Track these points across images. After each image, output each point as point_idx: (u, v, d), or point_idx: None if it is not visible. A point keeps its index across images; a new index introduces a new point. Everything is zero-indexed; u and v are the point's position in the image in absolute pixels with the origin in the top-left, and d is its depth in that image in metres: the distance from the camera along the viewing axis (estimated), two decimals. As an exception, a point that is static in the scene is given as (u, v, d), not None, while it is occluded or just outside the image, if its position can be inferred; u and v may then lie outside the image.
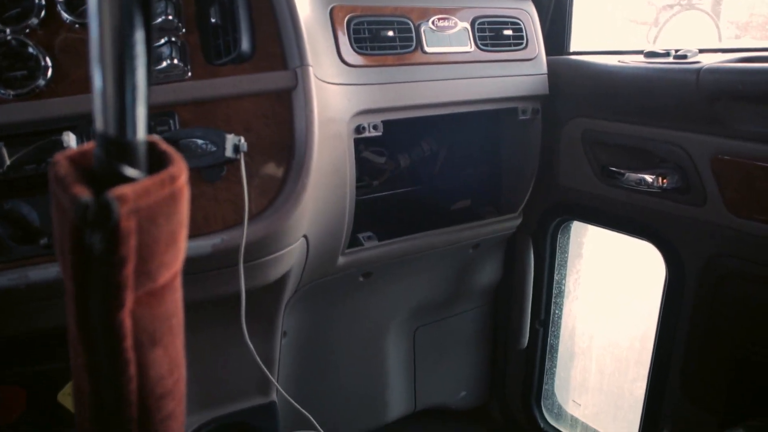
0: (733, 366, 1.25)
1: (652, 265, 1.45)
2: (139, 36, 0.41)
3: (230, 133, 0.91)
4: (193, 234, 0.93)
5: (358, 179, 1.25)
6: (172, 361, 0.56)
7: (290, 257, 1.09)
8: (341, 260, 1.32)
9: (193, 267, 0.96)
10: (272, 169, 0.97)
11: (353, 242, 1.33)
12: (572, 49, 1.52)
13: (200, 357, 1.22)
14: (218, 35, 0.99)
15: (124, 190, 0.42)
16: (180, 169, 0.47)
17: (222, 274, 0.99)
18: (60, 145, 0.89)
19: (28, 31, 0.94)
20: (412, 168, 1.60)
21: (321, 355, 1.54)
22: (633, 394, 1.64)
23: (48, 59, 0.93)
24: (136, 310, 0.47)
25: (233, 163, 0.92)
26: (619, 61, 1.34)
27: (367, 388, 1.65)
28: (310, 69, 0.99)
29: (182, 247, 0.51)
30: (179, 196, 0.47)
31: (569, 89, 1.44)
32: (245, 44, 0.98)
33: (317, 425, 1.19)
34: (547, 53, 1.45)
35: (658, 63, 1.24)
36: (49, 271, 0.88)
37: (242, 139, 0.90)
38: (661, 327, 1.38)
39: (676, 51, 1.25)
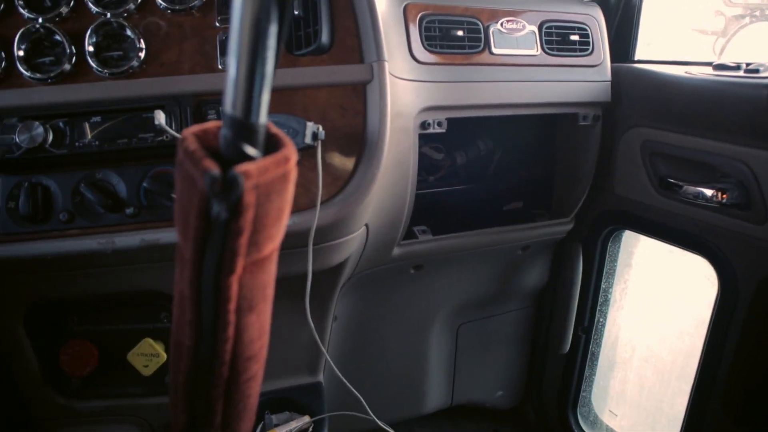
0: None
1: (702, 281, 1.44)
2: (273, 30, 0.46)
3: (309, 121, 0.96)
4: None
5: (417, 174, 1.28)
6: (261, 326, 0.61)
7: (352, 244, 1.13)
8: (396, 251, 1.36)
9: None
10: (344, 159, 1.02)
11: (408, 234, 1.37)
12: (637, 57, 1.53)
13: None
14: (299, 27, 1.04)
15: (249, 167, 0.47)
16: (292, 152, 0.52)
17: (289, 255, 1.04)
18: (150, 122, 0.95)
19: (126, 15, 1.02)
20: (467, 166, 1.64)
21: (366, 342, 1.59)
22: (672, 409, 1.64)
23: (142, 42, 1.00)
24: (242, 276, 0.52)
25: (309, 149, 0.97)
26: (685, 72, 1.34)
27: (407, 378, 1.69)
28: (386, 64, 1.04)
29: (285, 223, 0.55)
30: (290, 175, 0.51)
31: (632, 97, 1.45)
32: (325, 37, 1.03)
33: (367, 407, 1.24)
34: (612, 60, 1.46)
35: (727, 76, 1.24)
36: (134, 238, 0.95)
37: (320, 128, 0.95)
38: (708, 344, 1.38)
39: (747, 65, 1.25)
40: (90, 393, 1.15)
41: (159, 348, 1.11)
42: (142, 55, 1.00)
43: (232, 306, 0.54)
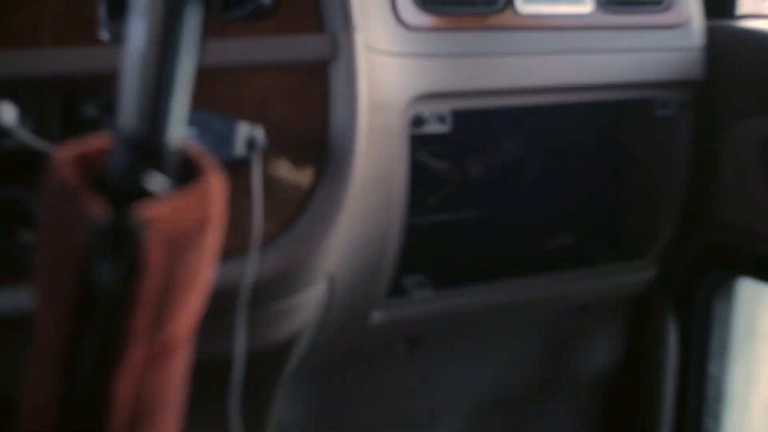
0: None
1: None
2: (196, 17, 0.52)
3: (241, 121, 1.06)
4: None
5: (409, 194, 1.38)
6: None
7: (307, 308, 1.24)
8: (376, 316, 1.46)
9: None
10: (295, 176, 1.13)
11: (396, 289, 1.46)
12: (744, 11, 1.69)
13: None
14: (226, -23, 1.16)
15: (156, 209, 0.49)
16: (219, 183, 0.56)
17: (205, 328, 1.14)
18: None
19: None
20: (486, 180, 1.75)
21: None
22: None
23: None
24: (141, 373, 0.56)
25: (241, 165, 1.07)
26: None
27: None
28: (358, 33, 1.17)
29: (205, 289, 0.60)
30: (214, 218, 0.56)
31: (741, 72, 1.58)
32: (266, -9, 1.15)
33: None
34: (707, 16, 1.60)
35: None
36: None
37: (259, 131, 1.06)
38: None
39: None
40: None
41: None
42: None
43: (123, 419, 0.57)
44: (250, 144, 1.05)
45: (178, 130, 0.52)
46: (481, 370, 1.76)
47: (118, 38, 1.10)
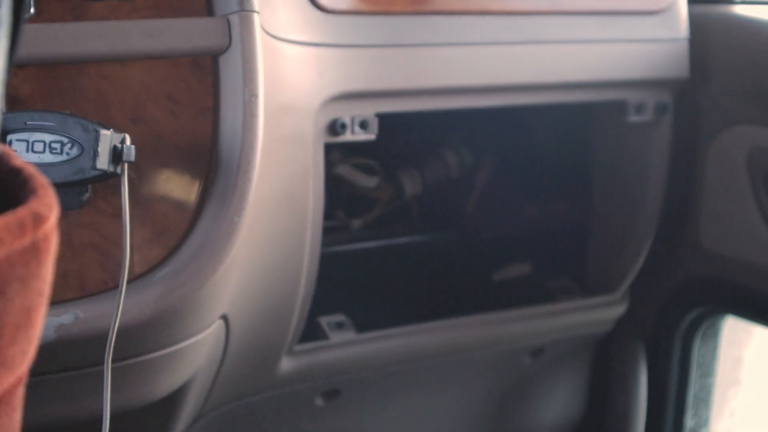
0: None
1: None
2: None
3: (107, 127, 0.99)
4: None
5: (328, 215, 1.33)
6: None
7: (195, 356, 1.17)
8: (286, 365, 1.40)
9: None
10: (177, 194, 1.06)
11: (311, 332, 1.42)
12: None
13: None
14: (90, -59, 1.09)
15: None
16: (48, 204, 0.56)
17: (69, 381, 1.07)
18: None
19: None
20: (425, 199, 1.71)
21: None
22: None
23: None
24: None
25: (107, 180, 1.01)
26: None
27: None
28: (256, 17, 1.09)
29: (38, 333, 0.59)
30: (45, 248, 0.54)
31: (729, 71, 1.56)
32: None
33: None
34: (691, 2, 1.55)
35: None
36: None
37: (127, 138, 0.98)
38: None
39: None
40: None
41: None
42: None
43: None
44: (116, 156, 0.98)
45: None
46: (415, 428, 1.72)
47: None
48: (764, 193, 1.53)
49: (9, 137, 0.98)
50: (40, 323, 0.52)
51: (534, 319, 1.62)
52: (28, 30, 1.04)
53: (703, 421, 1.78)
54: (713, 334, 1.75)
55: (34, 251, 0.50)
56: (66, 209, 1.03)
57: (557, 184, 1.75)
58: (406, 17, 1.33)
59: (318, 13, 1.25)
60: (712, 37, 1.56)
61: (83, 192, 1.03)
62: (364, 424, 1.66)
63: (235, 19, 1.09)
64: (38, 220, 0.50)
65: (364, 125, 1.31)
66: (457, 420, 1.74)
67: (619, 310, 1.70)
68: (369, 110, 1.31)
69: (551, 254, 1.74)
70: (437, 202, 1.74)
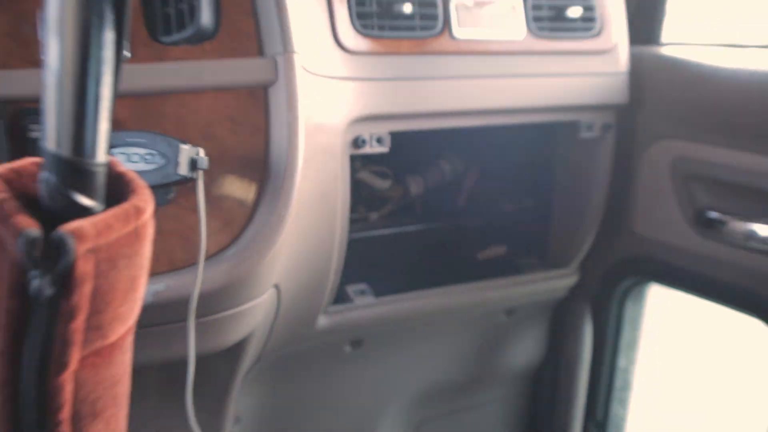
0: None
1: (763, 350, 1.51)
2: (111, 36, 0.49)
3: (185, 142, 0.97)
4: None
5: (352, 210, 1.32)
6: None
7: (255, 315, 1.15)
8: (322, 321, 1.39)
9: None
10: (239, 194, 1.04)
11: (340, 297, 1.40)
12: (665, 39, 1.60)
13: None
14: (167, 1, 1.06)
15: (83, 224, 0.49)
16: (146, 200, 0.57)
17: (163, 332, 1.05)
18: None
19: None
20: (426, 197, 1.68)
21: (285, 454, 1.60)
22: None
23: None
24: (79, 372, 0.55)
25: (187, 183, 0.98)
26: (736, 62, 1.42)
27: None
28: (296, 57, 1.07)
29: (141, 296, 0.59)
30: (144, 233, 0.55)
31: (659, 97, 1.52)
32: (206, 16, 1.05)
33: None
34: (631, 42, 1.52)
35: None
36: None
37: (201, 152, 0.96)
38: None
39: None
40: None
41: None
42: None
43: (66, 414, 0.55)
44: (193, 165, 0.97)
45: (102, 151, 0.51)
46: (419, 367, 1.71)
47: None
48: (683, 191, 1.50)
49: (112, 151, 0.98)
50: (142, 289, 0.56)
51: (508, 287, 1.61)
52: (125, 69, 1.02)
53: (632, 361, 1.77)
54: (641, 297, 1.73)
55: (137, 235, 0.53)
56: (156, 205, 1.01)
57: (526, 185, 1.73)
58: (411, 56, 1.30)
59: (344, 54, 1.23)
60: (645, 72, 1.53)
61: (168, 192, 1.03)
62: (381, 365, 1.64)
63: (280, 59, 1.08)
64: (139, 212, 0.53)
65: (379, 140, 1.28)
66: (450, 361, 1.73)
67: (572, 280, 1.69)
68: (383, 129, 1.29)
69: (521, 238, 1.72)
70: (435, 199, 1.72)
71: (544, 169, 1.68)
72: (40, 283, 0.49)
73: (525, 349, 1.80)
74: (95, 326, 0.52)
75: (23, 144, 0.99)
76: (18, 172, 0.54)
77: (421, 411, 1.76)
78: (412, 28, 1.30)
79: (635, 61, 1.51)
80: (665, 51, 1.54)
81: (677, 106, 1.49)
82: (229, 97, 1.06)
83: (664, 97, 1.51)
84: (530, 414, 1.91)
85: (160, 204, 1.02)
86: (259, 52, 1.08)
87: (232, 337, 1.16)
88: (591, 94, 1.48)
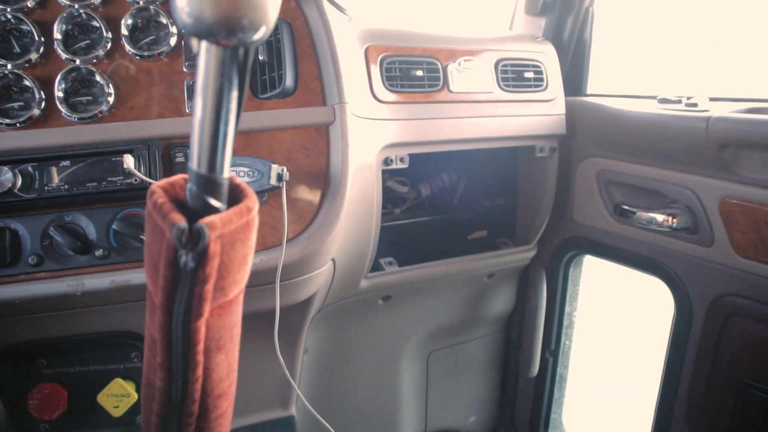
0: (737, 400, 1.30)
1: (661, 300, 1.51)
2: (235, 95, 0.51)
3: (274, 162, 1.00)
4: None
5: (383, 207, 1.32)
6: (230, 365, 0.65)
7: (319, 279, 1.17)
8: (363, 283, 1.40)
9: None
10: (309, 196, 1.06)
11: (375, 267, 1.41)
12: (589, 91, 1.61)
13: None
14: (264, 71, 1.09)
15: (213, 219, 0.51)
16: (254, 202, 0.57)
17: (258, 291, 1.07)
18: (119, 165, 0.99)
19: (95, 61, 1.05)
20: (432, 198, 1.69)
21: (338, 373, 1.61)
22: (639, 424, 1.69)
23: (111, 87, 1.03)
24: (209, 320, 0.57)
25: (275, 190, 1.01)
26: (633, 107, 1.42)
27: (380, 407, 1.71)
28: (347, 106, 1.09)
29: (249, 268, 0.59)
30: (252, 224, 0.56)
31: (585, 130, 1.53)
32: (289, 81, 1.08)
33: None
34: (566, 94, 1.53)
35: (670, 110, 1.33)
36: (103, 280, 0.97)
37: (285, 169, 0.99)
38: (668, 360, 1.44)
39: (688, 98, 1.34)
40: (59, 437, 1.15)
41: (130, 388, 1.12)
42: (111, 99, 1.03)
43: (201, 347, 0.57)
44: (279, 178, 1.00)
45: (227, 171, 0.53)
46: (429, 314, 1.71)
47: None
48: (605, 192, 1.51)
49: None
50: (250, 262, 0.56)
51: (488, 259, 1.60)
52: (251, 117, 1.06)
53: (574, 308, 1.76)
54: (579, 264, 1.73)
55: (248, 226, 0.53)
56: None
57: (499, 188, 1.73)
58: (421, 104, 1.31)
59: (377, 103, 1.24)
60: (576, 113, 1.53)
61: (263, 197, 1.04)
62: (403, 313, 1.64)
63: (337, 107, 1.09)
64: (249, 210, 0.53)
65: (402, 160, 1.29)
66: (450, 310, 1.73)
67: (532, 253, 1.68)
68: (404, 152, 1.29)
69: (497, 225, 1.71)
70: (438, 199, 1.72)
71: (510, 178, 1.68)
72: (186, 259, 0.50)
73: (500, 301, 1.79)
74: (220, 288, 0.53)
75: (171, 166, 1.02)
76: (172, 184, 0.55)
77: (431, 344, 1.76)
78: (422, 86, 1.31)
79: (569, 106, 1.52)
80: (588, 99, 1.55)
81: (597, 136, 1.50)
82: (303, 133, 1.07)
83: (588, 130, 1.52)
84: (505, 346, 1.90)
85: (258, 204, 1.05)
86: (323, 102, 1.09)
87: (304, 294, 1.17)
88: (542, 128, 1.48)
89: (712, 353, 1.34)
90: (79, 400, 1.13)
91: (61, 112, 1.02)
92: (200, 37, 0.47)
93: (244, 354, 1.32)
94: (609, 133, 1.47)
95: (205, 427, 0.65)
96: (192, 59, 1.07)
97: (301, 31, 1.11)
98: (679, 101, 1.34)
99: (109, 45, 1.06)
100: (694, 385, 1.39)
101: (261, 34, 0.46)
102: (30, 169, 0.97)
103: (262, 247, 1.03)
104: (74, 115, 1.02)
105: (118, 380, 1.11)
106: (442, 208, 1.73)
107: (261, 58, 1.08)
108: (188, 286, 0.52)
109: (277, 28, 1.09)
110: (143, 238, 0.97)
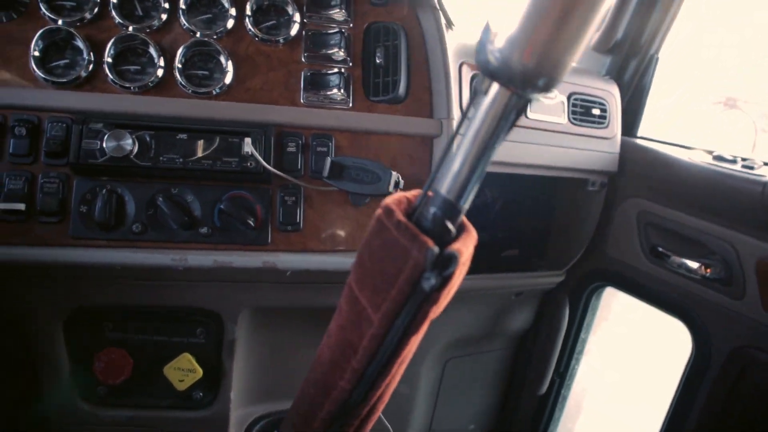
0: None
1: (675, 343, 1.61)
2: (498, 145, 0.54)
3: (393, 169, 1.02)
4: (336, 250, 1.04)
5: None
6: (401, 373, 0.68)
7: None
8: None
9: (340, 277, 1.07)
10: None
11: None
12: (639, 133, 1.69)
13: (271, 352, 1.32)
14: (379, 75, 1.11)
15: (460, 247, 0.55)
16: (475, 235, 0.61)
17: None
18: (236, 147, 0.99)
19: (215, 37, 1.05)
20: (473, 210, 1.73)
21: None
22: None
23: (230, 65, 1.04)
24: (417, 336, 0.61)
25: (384, 196, 1.03)
26: (688, 158, 1.51)
27: (394, 406, 1.75)
28: (454, 121, 1.12)
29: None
30: (470, 256, 0.60)
31: (634, 171, 1.60)
32: (402, 88, 1.11)
33: (386, 422, 1.28)
34: (622, 134, 1.60)
35: (726, 168, 1.42)
36: (207, 258, 0.98)
37: (400, 177, 1.02)
38: (677, 401, 1.54)
39: (743, 159, 1.43)
40: (116, 402, 1.15)
41: (196, 364, 1.13)
42: (228, 77, 1.03)
43: (400, 360, 0.60)
44: (397, 185, 1.02)
45: (468, 202, 0.56)
46: (451, 324, 1.75)
47: (310, 104, 1.04)
48: (642, 232, 1.58)
49: (349, 166, 1.02)
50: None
51: (521, 279, 1.66)
52: (351, 113, 1.07)
53: (589, 335, 1.84)
54: (600, 294, 1.80)
55: (470, 256, 0.60)
56: (358, 205, 1.06)
57: (534, 212, 1.77)
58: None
59: (467, 120, 1.26)
60: (627, 153, 1.60)
61: (366, 198, 1.07)
62: (434, 319, 1.67)
63: (444, 122, 1.11)
64: (474, 239, 0.60)
65: None
66: (471, 321, 1.77)
67: (560, 278, 1.74)
68: None
69: (529, 247, 1.76)
70: (478, 213, 1.72)
71: (549, 204, 1.73)
72: (428, 282, 0.52)
73: (521, 320, 1.84)
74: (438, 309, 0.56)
75: (282, 153, 1.03)
76: (400, 201, 0.58)
77: (450, 351, 1.81)
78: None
79: (623, 146, 1.59)
80: (640, 141, 1.62)
81: (646, 178, 1.57)
82: (409, 142, 1.09)
83: (636, 171, 1.58)
84: (515, 362, 1.95)
85: (360, 204, 1.07)
86: (431, 115, 1.12)
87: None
88: (598, 163, 1.55)
89: (724, 399, 1.45)
90: (141, 368, 1.13)
91: (179, 81, 1.02)
92: (498, 81, 0.50)
93: (292, 342, 1.33)
94: (658, 178, 1.55)
95: (362, 428, 0.69)
96: (312, 51, 1.08)
97: (416, 41, 1.14)
98: (734, 161, 1.44)
99: (230, 22, 1.06)
100: (701, 427, 1.49)
101: (551, 94, 0.50)
102: (147, 137, 0.97)
103: (354, 246, 1.06)
104: (190, 88, 1.02)
105: (187, 355, 1.12)
106: (481, 223, 1.77)
107: (378, 61, 1.10)
108: (417, 305, 0.55)
109: (395, 34, 1.11)
110: (251, 222, 0.99)
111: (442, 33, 1.14)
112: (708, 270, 1.47)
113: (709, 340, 1.48)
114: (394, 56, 1.11)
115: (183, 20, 1.04)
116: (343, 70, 1.08)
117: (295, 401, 0.72)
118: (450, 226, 0.56)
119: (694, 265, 1.49)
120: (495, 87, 0.51)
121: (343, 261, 1.03)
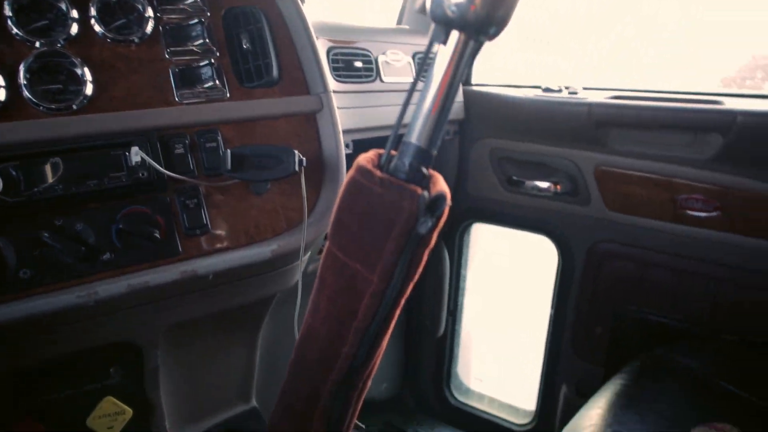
0: (612, 325, 1.67)
1: (542, 257, 1.83)
2: (457, 84, 0.59)
3: (294, 149, 1.01)
4: (251, 242, 1.01)
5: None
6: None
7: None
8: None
9: (252, 270, 1.04)
10: (312, 180, 1.09)
11: None
12: (474, 81, 1.85)
13: (192, 366, 1.25)
14: (248, 60, 1.08)
15: (444, 189, 0.58)
16: (437, 173, 0.64)
17: (286, 271, 1.10)
18: (119, 160, 0.91)
19: (60, 45, 0.94)
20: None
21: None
22: (531, 361, 1.99)
23: (88, 74, 0.94)
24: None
25: (289, 177, 1.03)
26: (521, 94, 1.70)
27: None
28: (332, 95, 1.14)
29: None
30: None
31: (480, 114, 1.76)
32: (274, 71, 1.09)
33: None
34: (463, 84, 1.74)
35: (555, 97, 1.63)
36: (119, 285, 0.90)
37: (301, 155, 1.01)
38: (555, 301, 1.77)
39: (567, 87, 1.65)
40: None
41: (122, 404, 1.03)
42: (89, 88, 0.93)
43: (399, 309, 0.63)
44: (300, 163, 1.01)
45: (436, 147, 0.60)
46: None
47: (187, 101, 0.99)
48: (498, 167, 1.75)
49: (249, 156, 1.00)
50: None
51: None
52: (231, 103, 1.04)
53: (467, 268, 1.99)
54: (470, 230, 1.96)
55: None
56: (260, 193, 1.04)
57: None
58: (360, 94, 1.40)
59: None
60: (469, 100, 1.74)
61: (267, 184, 1.05)
62: None
63: (323, 96, 1.13)
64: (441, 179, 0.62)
65: (347, 146, 1.36)
66: None
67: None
68: (348, 138, 1.36)
69: None
70: None
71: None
72: (424, 224, 0.56)
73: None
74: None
75: (171, 157, 0.98)
76: (369, 160, 0.61)
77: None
78: (360, 77, 1.40)
79: (466, 93, 1.74)
80: (477, 88, 1.77)
81: (489, 119, 1.73)
82: (294, 121, 1.09)
83: (481, 114, 1.74)
84: (410, 313, 2.04)
85: (262, 192, 1.04)
86: (308, 91, 1.12)
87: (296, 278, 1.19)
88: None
89: (591, 290, 1.69)
90: (60, 429, 1.01)
91: (28, 101, 0.89)
92: (457, 29, 0.54)
93: (212, 350, 1.28)
94: (500, 116, 1.72)
95: (365, 385, 0.71)
96: (175, 45, 1.02)
97: (276, 21, 1.12)
98: (560, 90, 1.65)
99: (75, 27, 0.95)
100: (578, 317, 1.73)
101: (502, 31, 0.55)
102: (12, 170, 0.84)
103: (272, 233, 1.04)
104: (43, 106, 0.90)
105: (110, 398, 1.02)
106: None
107: (245, 46, 1.07)
108: (413, 250, 0.58)
109: (256, 17, 1.09)
110: (157, 235, 0.92)
111: (300, 9, 1.14)
112: (558, 186, 1.69)
113: (569, 244, 1.70)
114: (260, 40, 1.09)
115: (15, 30, 0.91)
116: (213, 60, 1.04)
117: (288, 388, 0.71)
118: (426, 171, 0.59)
119: (545, 185, 1.70)
120: (455, 35, 0.55)
121: (261, 251, 1.01)
